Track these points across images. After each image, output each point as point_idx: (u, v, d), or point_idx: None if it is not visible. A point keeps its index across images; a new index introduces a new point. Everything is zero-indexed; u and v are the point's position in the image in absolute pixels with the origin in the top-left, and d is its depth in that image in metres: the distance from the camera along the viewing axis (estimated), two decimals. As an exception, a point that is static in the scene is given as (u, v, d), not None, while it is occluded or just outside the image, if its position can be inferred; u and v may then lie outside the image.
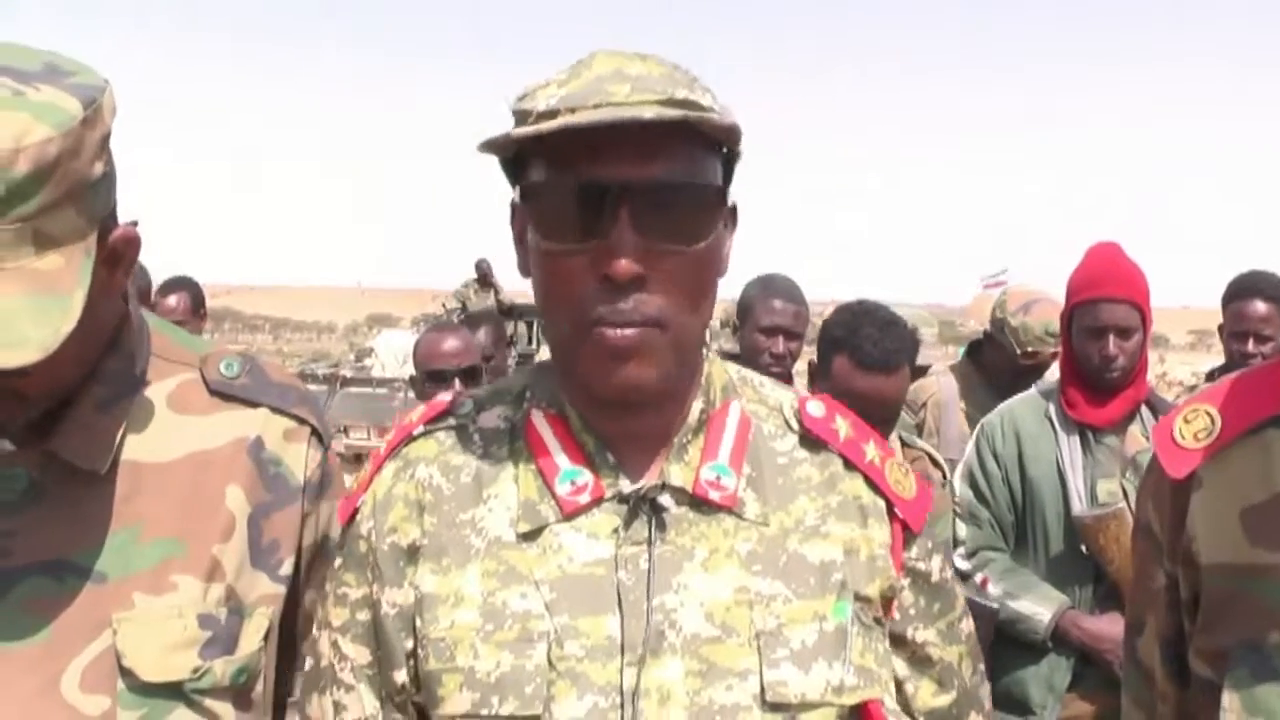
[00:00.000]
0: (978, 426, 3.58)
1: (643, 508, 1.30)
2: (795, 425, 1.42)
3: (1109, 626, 3.09)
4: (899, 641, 1.43)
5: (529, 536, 1.31)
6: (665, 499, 1.31)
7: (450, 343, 3.85)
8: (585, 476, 1.32)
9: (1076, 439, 3.31)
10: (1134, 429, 3.27)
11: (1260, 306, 4.14)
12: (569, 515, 1.31)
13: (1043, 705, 3.21)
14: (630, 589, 1.27)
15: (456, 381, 3.70)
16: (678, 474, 1.33)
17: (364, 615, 1.36)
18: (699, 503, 1.32)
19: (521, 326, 16.02)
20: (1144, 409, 3.30)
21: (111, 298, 1.37)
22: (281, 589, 1.48)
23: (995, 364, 4.55)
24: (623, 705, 1.24)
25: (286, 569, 1.49)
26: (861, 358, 2.90)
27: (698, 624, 1.27)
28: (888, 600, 1.39)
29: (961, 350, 5.03)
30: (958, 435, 4.22)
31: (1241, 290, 4.23)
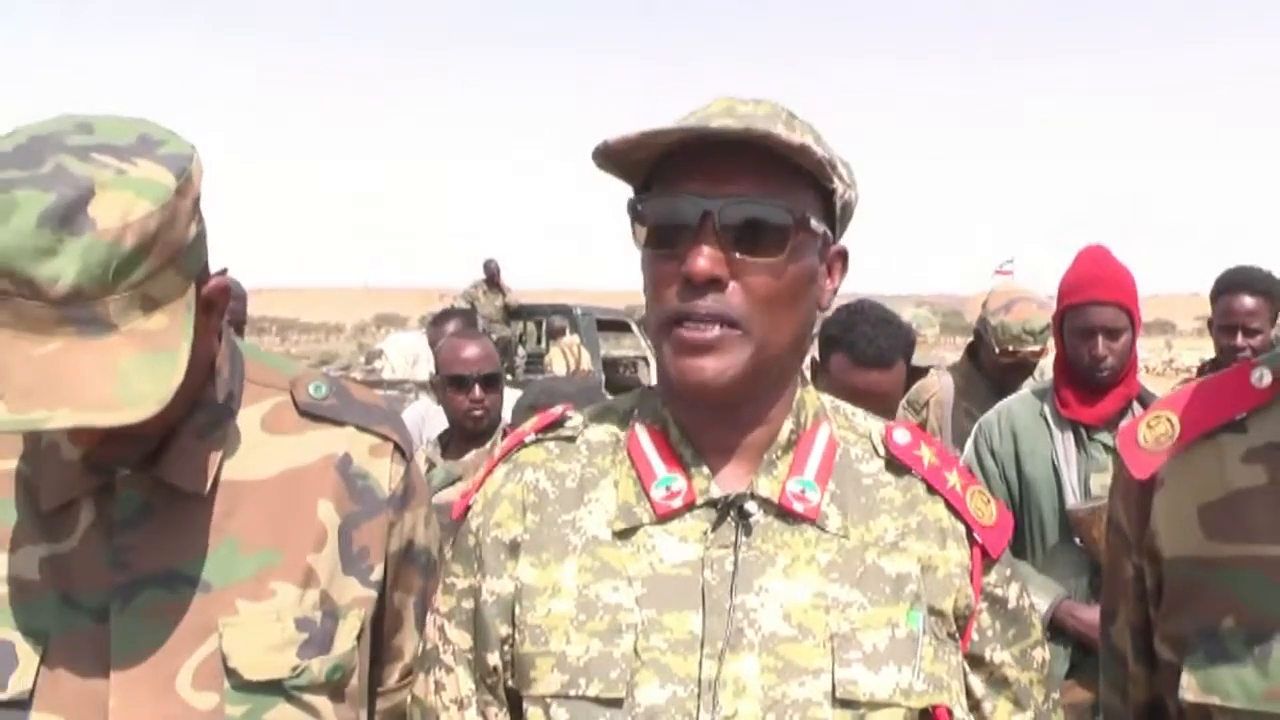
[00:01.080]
0: (976, 425, 3.69)
1: (730, 514, 1.41)
2: (882, 450, 1.51)
3: (1104, 616, 3.20)
4: (977, 662, 1.50)
5: (624, 535, 1.42)
6: (752, 506, 1.41)
7: (471, 349, 3.98)
8: (680, 483, 1.43)
9: (1070, 435, 3.43)
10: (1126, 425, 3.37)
11: (1248, 301, 4.23)
12: (662, 518, 1.42)
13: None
14: (714, 588, 1.37)
15: (476, 387, 3.85)
16: (766, 485, 1.43)
17: (468, 604, 1.48)
18: (784, 514, 1.42)
19: (530, 326, 16.06)
20: (1135, 405, 3.42)
21: (208, 340, 1.50)
22: (373, 593, 1.61)
23: (992, 366, 4.64)
24: (700, 695, 1.33)
25: (377, 574, 1.62)
26: (857, 355, 3.06)
27: (775, 624, 1.36)
28: (963, 619, 1.47)
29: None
30: (960, 434, 4.32)
31: (1230, 285, 4.32)
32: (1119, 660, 1.60)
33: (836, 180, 1.41)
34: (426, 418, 5.58)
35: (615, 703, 1.35)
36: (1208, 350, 5.05)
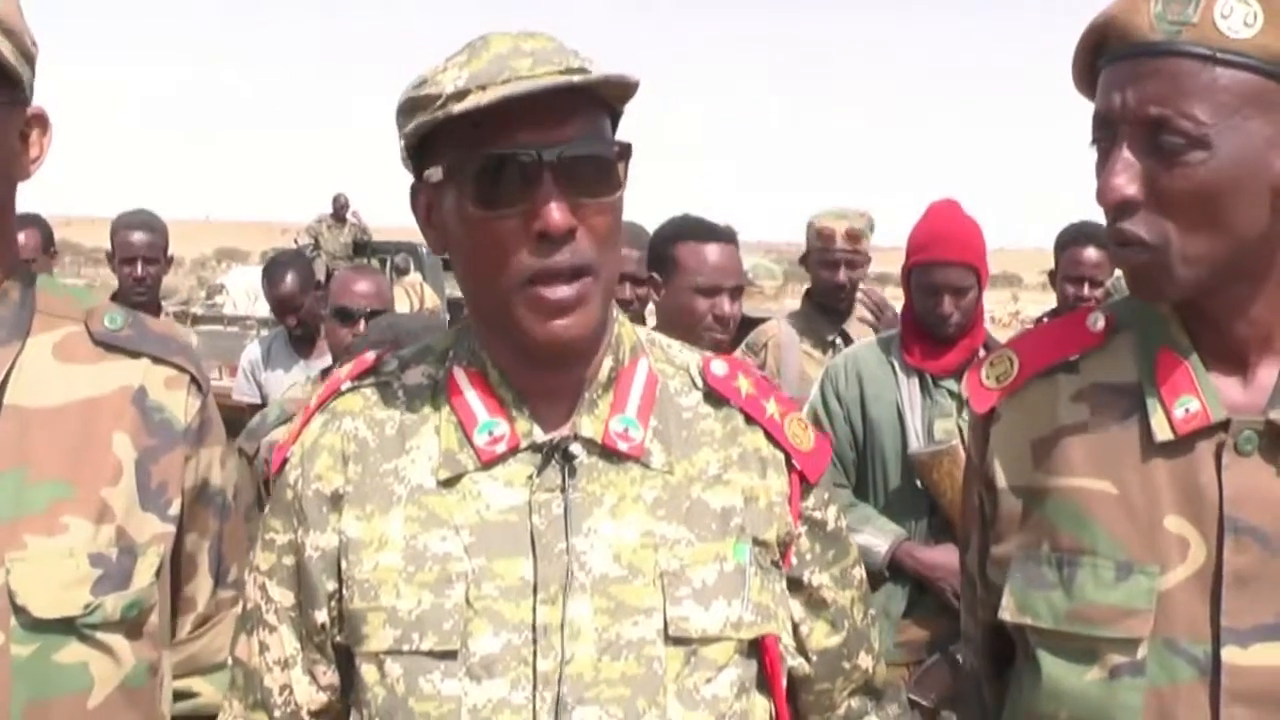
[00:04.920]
0: (823, 370, 3.73)
1: (555, 457, 1.40)
2: (700, 383, 1.51)
3: (942, 556, 3.28)
4: (796, 585, 1.53)
5: (449, 484, 1.40)
6: (576, 448, 1.40)
7: (363, 284, 3.88)
8: (502, 427, 1.41)
9: (915, 381, 3.49)
10: (972, 373, 3.45)
11: (1093, 253, 4.33)
12: (486, 464, 1.40)
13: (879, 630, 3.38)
14: (543, 533, 1.37)
15: (361, 323, 3.73)
16: (588, 425, 1.42)
17: (289, 560, 1.45)
18: (608, 453, 1.42)
19: (375, 264, 15.87)
20: (981, 354, 3.44)
21: (20, 163, 1.50)
22: (171, 528, 1.56)
23: (818, 283, 4.64)
24: (535, 641, 1.33)
25: (174, 509, 1.56)
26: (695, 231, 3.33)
27: (606, 565, 1.37)
28: (785, 546, 1.50)
29: None
30: (797, 376, 4.36)
31: (1075, 237, 4.43)
32: (971, 584, 1.67)
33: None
34: (273, 354, 5.49)
35: (450, 654, 1.33)
36: (1051, 303, 5.19)
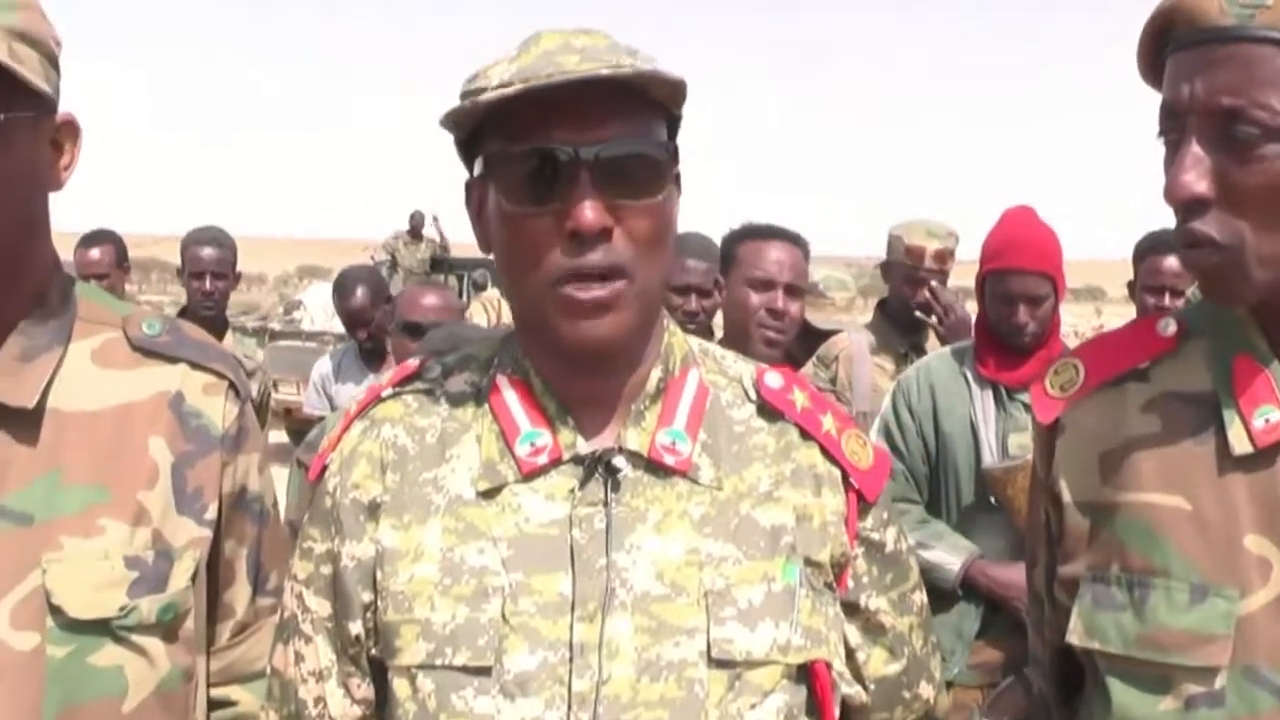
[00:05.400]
0: (894, 383, 3.65)
1: (598, 470, 1.35)
2: (753, 395, 1.45)
3: (1016, 575, 3.14)
4: (852, 610, 1.46)
5: (488, 495, 1.36)
6: (620, 461, 1.35)
7: (430, 298, 3.89)
8: (545, 438, 1.37)
9: (990, 394, 3.40)
10: (1048, 385, 3.36)
11: (1173, 262, 4.12)
12: (527, 475, 1.36)
13: (951, 651, 3.29)
14: (584, 548, 1.32)
15: None
16: (634, 438, 1.37)
17: (326, 569, 1.42)
18: (654, 467, 1.37)
19: (452, 280, 16.03)
20: (1057, 365, 3.39)
21: (51, 175, 1.50)
22: (207, 532, 1.55)
23: (897, 297, 4.53)
24: (571, 659, 1.28)
25: (211, 514, 1.55)
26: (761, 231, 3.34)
27: (648, 583, 1.32)
28: (840, 567, 1.43)
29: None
30: (870, 389, 4.29)
31: (1154, 246, 4.26)
32: (1038, 603, 1.59)
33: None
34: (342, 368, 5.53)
35: (483, 670, 1.29)
36: (1134, 316, 5.03)
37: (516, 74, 1.29)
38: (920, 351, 4.35)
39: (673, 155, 1.37)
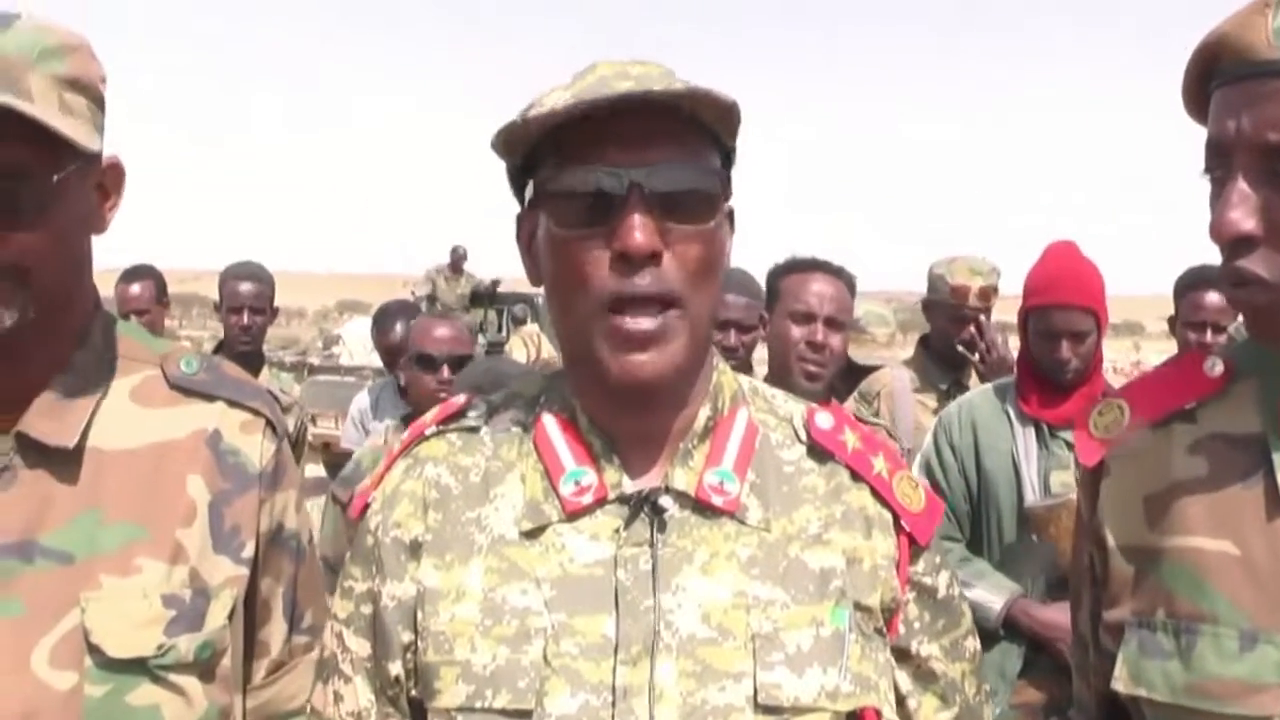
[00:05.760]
0: (936, 419, 3.63)
1: (644, 509, 1.33)
2: (803, 436, 1.43)
3: (1059, 615, 3.13)
4: (903, 656, 1.43)
5: (532, 535, 1.34)
6: (666, 501, 1.33)
7: (442, 330, 3.86)
8: (590, 477, 1.35)
9: (1032, 431, 3.37)
10: (1090, 424, 3.33)
11: (1215, 298, 4.09)
12: (571, 515, 1.34)
13: (994, 691, 3.24)
14: (628, 589, 1.30)
15: (444, 369, 3.72)
16: (681, 478, 1.35)
17: (366, 609, 1.40)
18: (701, 507, 1.34)
19: (492, 314, 16.05)
20: (1101, 403, 3.36)
21: (97, 219, 1.51)
22: (245, 570, 1.55)
23: (940, 334, 4.55)
24: (614, 703, 1.26)
25: (248, 552, 1.56)
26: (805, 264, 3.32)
27: (694, 625, 1.29)
28: (890, 612, 1.40)
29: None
30: (912, 425, 4.26)
31: (1195, 282, 4.21)
32: (1083, 647, 1.56)
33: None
34: (380, 403, 5.53)
35: (524, 714, 1.26)
36: (1175, 352, 4.97)
37: (571, 97, 1.27)
38: (963, 388, 4.33)
39: (725, 184, 1.35)
